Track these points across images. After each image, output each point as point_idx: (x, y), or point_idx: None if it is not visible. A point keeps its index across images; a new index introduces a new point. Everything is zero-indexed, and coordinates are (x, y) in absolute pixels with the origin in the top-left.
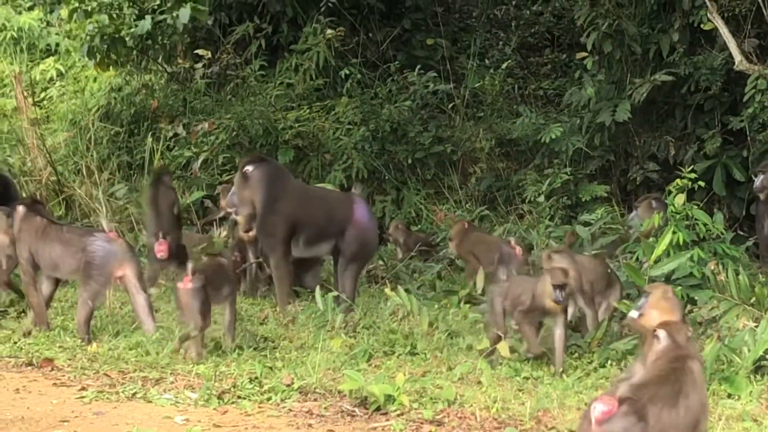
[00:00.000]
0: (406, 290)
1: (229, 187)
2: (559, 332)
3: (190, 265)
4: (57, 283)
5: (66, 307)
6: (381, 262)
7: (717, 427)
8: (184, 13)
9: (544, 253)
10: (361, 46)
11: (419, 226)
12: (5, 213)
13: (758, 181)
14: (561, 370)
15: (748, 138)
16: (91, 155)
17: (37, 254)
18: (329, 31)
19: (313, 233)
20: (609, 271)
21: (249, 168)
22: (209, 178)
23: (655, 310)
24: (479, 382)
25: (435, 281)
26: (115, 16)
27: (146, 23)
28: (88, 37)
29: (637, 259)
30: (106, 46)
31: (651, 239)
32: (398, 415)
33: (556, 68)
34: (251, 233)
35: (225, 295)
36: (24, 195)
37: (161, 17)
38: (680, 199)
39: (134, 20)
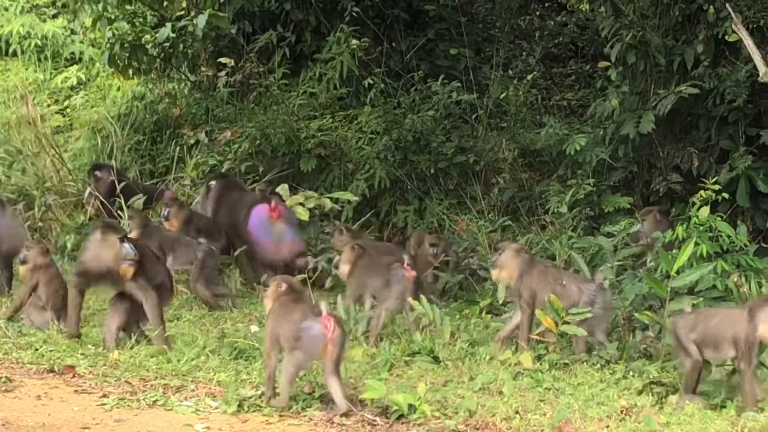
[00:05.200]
0: (429, 300)
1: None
2: None
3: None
4: None
5: (87, 314)
6: None
7: None
8: (202, 20)
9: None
10: (384, 56)
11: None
12: None
13: None
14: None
15: None
16: (113, 163)
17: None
18: (353, 41)
19: (243, 235)
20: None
21: (212, 183)
22: None
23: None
24: (501, 392)
25: (457, 291)
26: (137, 24)
27: (167, 30)
28: (108, 45)
29: (661, 270)
30: (127, 54)
31: (674, 251)
32: (419, 425)
33: (580, 79)
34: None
35: None
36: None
37: (182, 24)
38: (704, 211)
39: (154, 28)
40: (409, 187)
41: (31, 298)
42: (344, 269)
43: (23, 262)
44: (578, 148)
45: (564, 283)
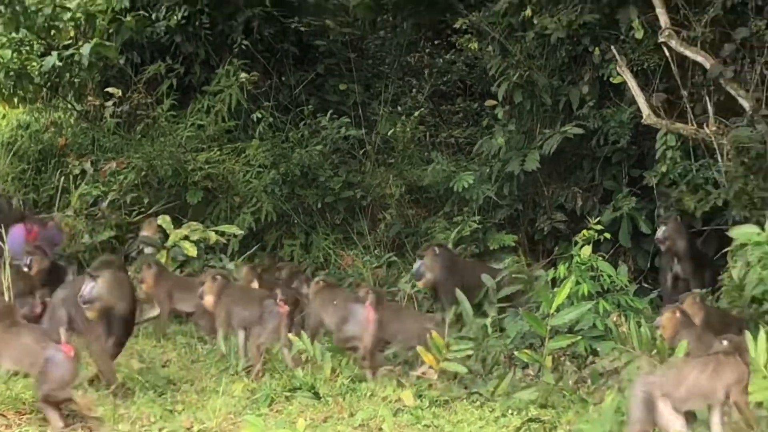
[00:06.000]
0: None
1: (152, 220)
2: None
3: None
4: None
5: None
6: None
7: None
8: (87, 48)
9: None
10: (273, 90)
11: (327, 271)
12: None
13: (661, 232)
14: None
15: (655, 191)
16: None
17: None
18: (242, 74)
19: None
20: None
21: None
22: (117, 218)
23: None
24: (380, 429)
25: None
26: (23, 52)
27: (53, 59)
28: None
29: (542, 309)
30: (12, 83)
31: (555, 289)
32: None
33: (468, 117)
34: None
35: None
36: None
37: (68, 53)
38: (586, 250)
39: (41, 56)
40: (295, 221)
41: None
42: (209, 300)
43: None
44: (465, 185)
45: (335, 302)
